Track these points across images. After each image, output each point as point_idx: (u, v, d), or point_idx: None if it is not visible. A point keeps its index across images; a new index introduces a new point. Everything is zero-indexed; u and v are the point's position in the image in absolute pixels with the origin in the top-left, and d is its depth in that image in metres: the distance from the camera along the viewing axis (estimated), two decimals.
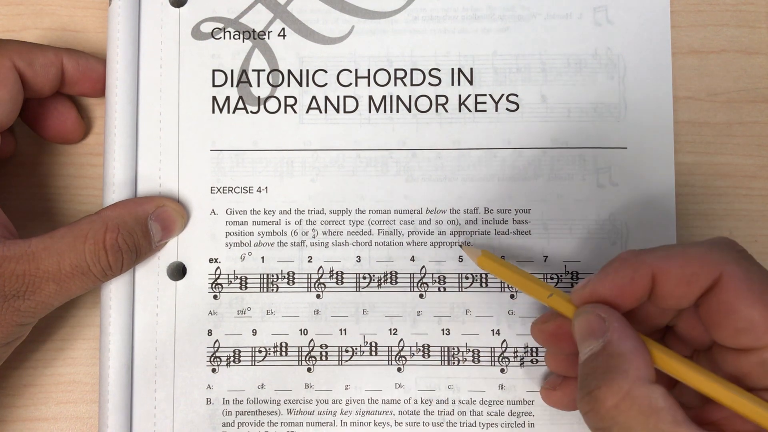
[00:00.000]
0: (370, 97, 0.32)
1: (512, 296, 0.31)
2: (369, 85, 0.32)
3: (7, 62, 0.28)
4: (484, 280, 0.31)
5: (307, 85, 0.32)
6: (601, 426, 0.23)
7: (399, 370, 0.31)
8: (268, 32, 0.32)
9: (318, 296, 0.31)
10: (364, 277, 0.31)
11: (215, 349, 0.31)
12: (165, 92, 0.31)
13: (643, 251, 0.25)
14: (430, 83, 0.32)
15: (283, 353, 0.31)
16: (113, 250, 0.28)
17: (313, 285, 0.31)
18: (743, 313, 0.22)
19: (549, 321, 0.28)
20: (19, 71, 0.29)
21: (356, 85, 0.32)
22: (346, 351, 0.31)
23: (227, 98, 0.32)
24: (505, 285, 0.31)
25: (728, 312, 0.23)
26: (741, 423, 0.23)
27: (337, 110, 0.32)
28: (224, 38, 0.32)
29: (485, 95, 0.31)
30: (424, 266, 0.31)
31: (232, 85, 0.32)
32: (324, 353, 0.31)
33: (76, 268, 0.27)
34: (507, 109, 0.31)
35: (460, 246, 0.31)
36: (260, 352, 0.31)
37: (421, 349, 0.31)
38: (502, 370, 0.31)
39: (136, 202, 0.30)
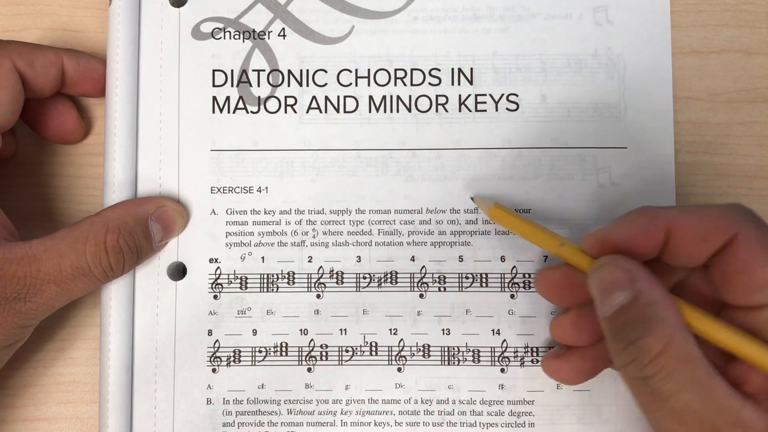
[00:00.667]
0: (370, 97, 0.32)
1: (512, 296, 0.31)
2: (369, 85, 0.32)
3: (8, 63, 0.28)
4: (484, 280, 0.31)
5: (307, 85, 0.32)
6: (643, 375, 0.23)
7: (399, 370, 0.31)
8: (268, 32, 0.32)
9: (318, 296, 0.31)
10: (364, 277, 0.31)
11: (215, 349, 0.31)
12: (165, 92, 0.31)
13: (660, 207, 0.25)
14: (430, 83, 0.32)
15: (283, 353, 0.31)
16: (114, 251, 0.28)
17: (313, 285, 0.31)
18: (758, 271, 0.23)
19: (556, 269, 0.28)
20: (20, 72, 0.29)
21: (356, 85, 0.32)
22: (346, 351, 0.31)
23: (227, 98, 0.32)
24: (506, 284, 0.31)
25: (743, 270, 0.23)
26: (756, 378, 0.23)
27: (337, 110, 0.32)
28: (224, 38, 0.32)
29: (485, 95, 0.31)
30: (424, 266, 0.31)
31: (232, 85, 0.32)
32: (324, 353, 0.31)
33: (77, 269, 0.27)
34: (507, 109, 0.31)
35: (472, 199, 0.31)
36: (260, 352, 0.31)
37: (421, 349, 0.31)
38: (503, 370, 0.31)
39: (137, 202, 0.30)
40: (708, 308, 0.26)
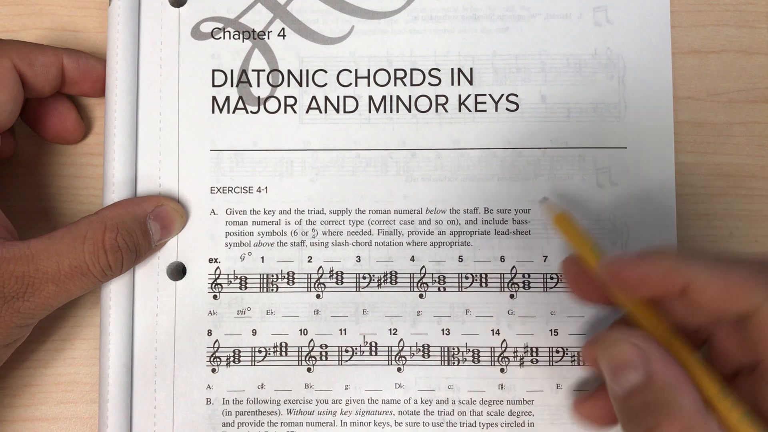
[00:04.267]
0: (370, 97, 0.32)
1: (512, 296, 0.31)
2: (369, 85, 0.32)
3: (7, 62, 0.28)
4: (483, 280, 0.31)
5: (307, 85, 0.32)
6: None
7: (399, 370, 0.31)
8: (268, 32, 0.32)
9: (318, 296, 0.31)
10: (364, 277, 0.31)
11: (215, 349, 0.31)
12: (165, 92, 0.31)
13: (685, 256, 0.23)
14: (429, 83, 0.32)
15: (283, 353, 0.31)
16: (113, 250, 0.28)
17: (313, 285, 0.31)
18: None
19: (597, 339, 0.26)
20: (20, 71, 0.29)
21: (356, 85, 0.32)
22: (346, 351, 0.31)
23: (227, 98, 0.32)
24: (505, 285, 0.31)
25: None
26: None
27: (337, 110, 0.32)
28: (224, 38, 0.32)
29: (485, 95, 0.31)
30: (423, 266, 0.31)
31: (232, 85, 0.32)
32: (324, 353, 0.31)
33: (76, 268, 0.27)
34: (507, 109, 0.31)
35: (543, 201, 0.30)
36: (260, 352, 0.31)
37: (421, 349, 0.31)
38: (502, 370, 0.31)
39: (135, 201, 0.30)
40: (745, 366, 0.24)
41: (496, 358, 0.31)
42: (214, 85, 0.32)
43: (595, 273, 0.26)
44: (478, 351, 0.31)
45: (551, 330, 0.31)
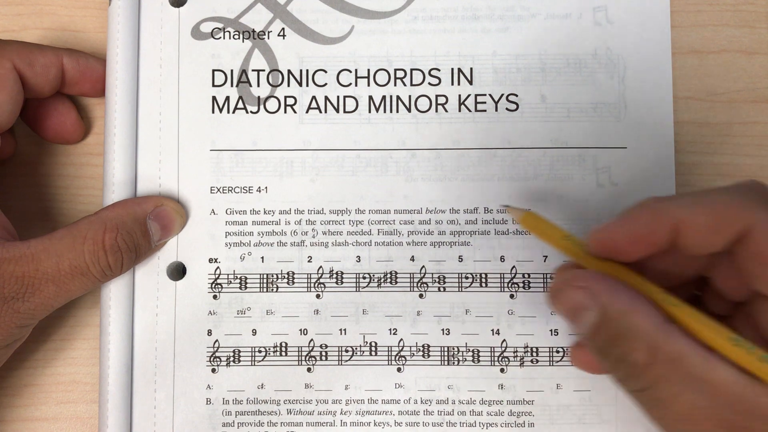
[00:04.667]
0: (370, 97, 0.32)
1: (512, 296, 0.31)
2: (369, 85, 0.32)
3: (7, 63, 0.28)
4: (483, 280, 0.31)
5: (307, 85, 0.32)
6: (639, 387, 0.22)
7: (399, 370, 0.31)
8: (268, 32, 0.32)
9: (318, 296, 0.31)
10: (364, 277, 0.31)
11: (215, 349, 0.31)
12: (165, 92, 0.31)
13: (665, 198, 0.23)
14: (429, 83, 0.32)
15: (283, 353, 0.31)
16: (112, 251, 0.28)
17: (312, 285, 0.31)
18: None
19: (580, 348, 0.27)
20: (19, 72, 0.29)
21: (356, 85, 0.32)
22: (346, 351, 0.31)
23: (227, 98, 0.32)
24: (505, 284, 0.31)
25: (765, 262, 0.21)
26: None
27: (337, 110, 0.32)
28: (224, 38, 0.32)
29: (485, 95, 0.31)
30: (423, 266, 0.31)
31: (231, 85, 0.32)
32: (324, 353, 0.31)
33: (76, 268, 0.27)
34: (507, 109, 0.31)
35: (505, 207, 0.30)
36: (260, 352, 0.31)
37: (421, 349, 0.31)
38: (502, 370, 0.31)
39: (135, 201, 0.30)
40: (741, 298, 0.24)
41: (496, 358, 0.31)
42: (214, 85, 0.32)
43: (578, 259, 0.26)
44: (478, 351, 0.31)
45: (551, 330, 0.31)
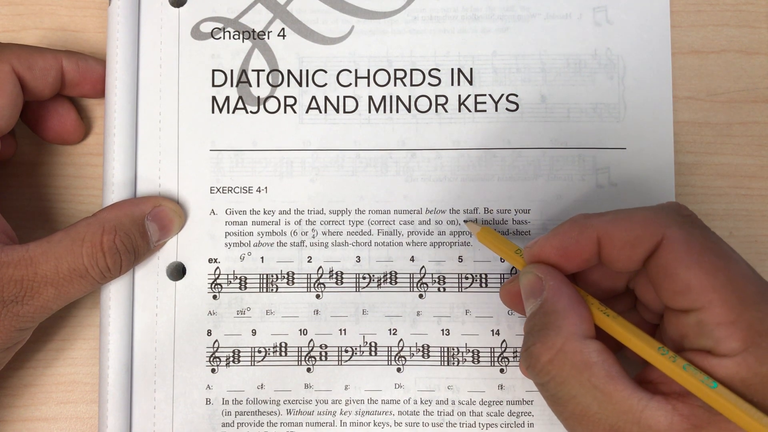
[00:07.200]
0: (370, 98, 0.32)
1: None
2: (369, 85, 0.32)
3: (7, 67, 0.28)
4: (483, 281, 0.31)
5: (307, 85, 0.32)
6: (539, 381, 0.24)
7: (399, 370, 0.31)
8: (268, 32, 0.32)
9: (318, 296, 0.31)
10: (364, 277, 0.31)
11: (215, 349, 0.31)
12: (164, 92, 0.31)
13: (593, 215, 0.25)
14: (429, 83, 0.32)
15: (283, 353, 0.31)
16: (111, 252, 0.28)
17: (312, 285, 0.31)
18: (680, 276, 0.23)
19: (513, 282, 0.28)
20: (19, 75, 0.29)
21: (356, 85, 0.32)
22: (346, 351, 0.31)
23: (227, 98, 0.32)
24: None
25: (667, 274, 0.23)
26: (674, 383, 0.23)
27: (337, 110, 0.32)
28: (224, 38, 0.32)
29: (485, 95, 0.31)
30: (423, 266, 0.31)
31: (231, 85, 0.32)
32: (324, 353, 0.31)
33: (74, 271, 0.27)
34: (507, 109, 0.31)
35: (465, 222, 0.31)
36: (260, 352, 0.31)
37: (421, 349, 0.31)
38: (502, 371, 0.31)
39: (133, 202, 0.30)
40: (659, 311, 0.26)
41: (495, 359, 0.31)
42: (213, 85, 0.32)
43: (512, 262, 0.28)
44: (478, 351, 0.31)
45: None
